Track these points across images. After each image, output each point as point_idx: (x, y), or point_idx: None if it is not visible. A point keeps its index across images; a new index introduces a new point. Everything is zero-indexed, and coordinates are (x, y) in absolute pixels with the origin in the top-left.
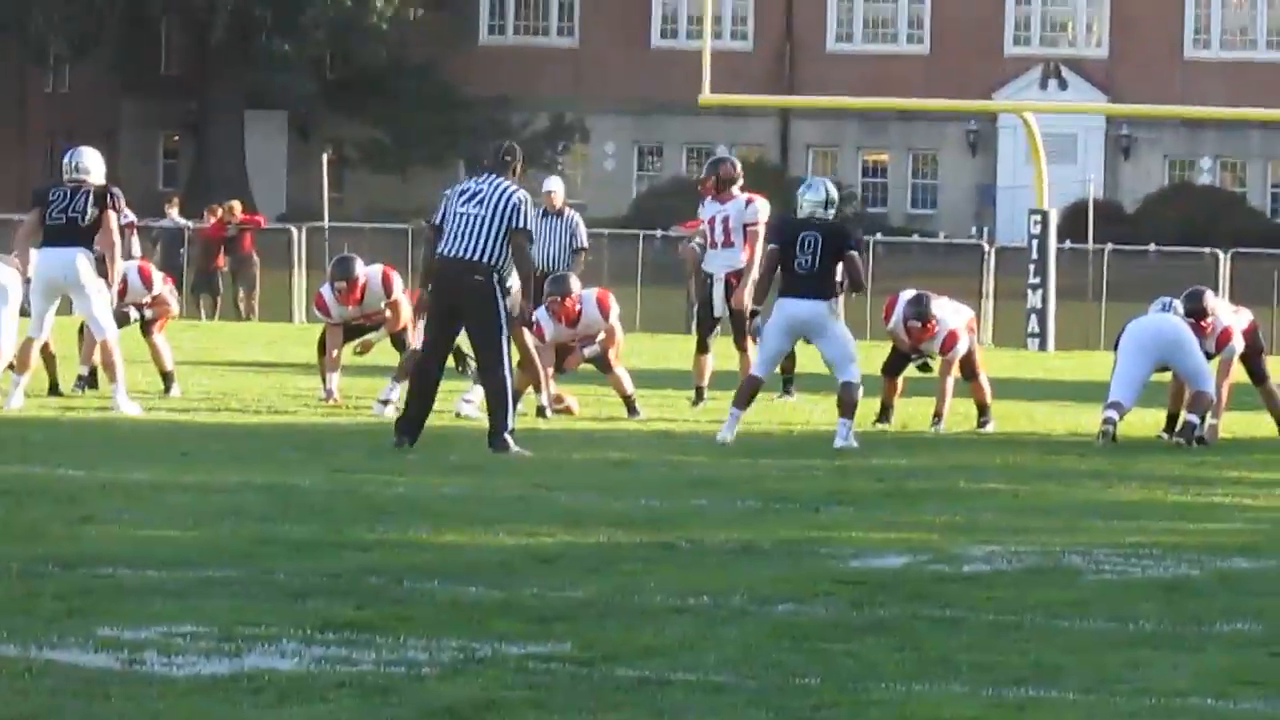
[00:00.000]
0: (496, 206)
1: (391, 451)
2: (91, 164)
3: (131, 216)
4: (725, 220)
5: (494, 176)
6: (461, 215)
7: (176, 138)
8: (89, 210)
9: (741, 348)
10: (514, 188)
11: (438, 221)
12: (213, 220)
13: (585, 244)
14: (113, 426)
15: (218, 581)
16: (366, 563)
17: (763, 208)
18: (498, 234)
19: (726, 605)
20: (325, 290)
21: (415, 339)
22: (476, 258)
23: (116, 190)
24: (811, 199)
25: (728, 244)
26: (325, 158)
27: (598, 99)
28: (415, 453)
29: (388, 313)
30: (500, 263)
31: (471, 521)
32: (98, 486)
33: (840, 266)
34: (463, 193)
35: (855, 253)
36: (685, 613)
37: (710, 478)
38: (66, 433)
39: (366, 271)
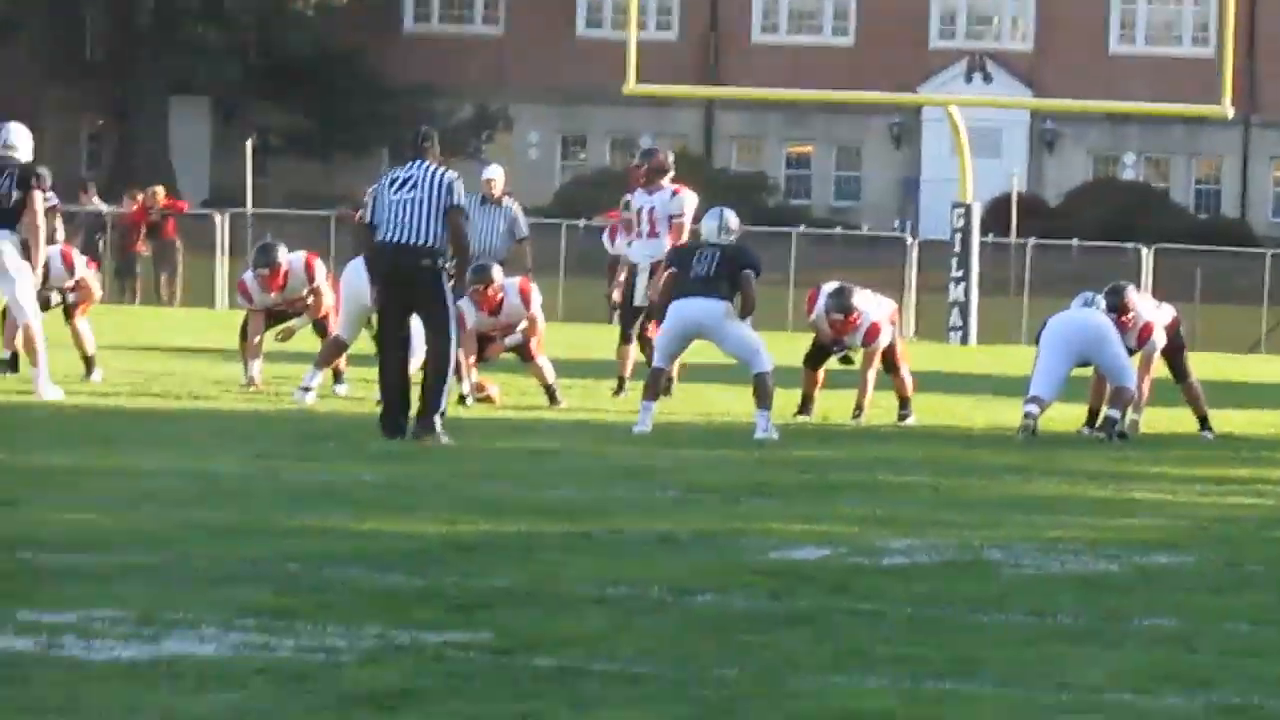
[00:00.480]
0: (431, 188)
1: (312, 439)
2: (19, 140)
3: (56, 200)
4: (651, 211)
5: (421, 161)
6: (397, 202)
7: (100, 122)
8: (13, 192)
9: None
10: (444, 169)
11: (369, 218)
12: (134, 205)
13: (527, 233)
14: (33, 410)
15: (137, 566)
16: (286, 549)
17: (689, 200)
18: (437, 215)
19: (646, 595)
20: (248, 276)
21: (336, 325)
22: (421, 241)
23: (43, 171)
24: (710, 224)
25: (653, 234)
26: (249, 144)
27: (522, 88)
28: (335, 440)
29: (310, 299)
30: (443, 244)
31: (391, 509)
32: (18, 470)
33: (739, 286)
34: (393, 181)
35: (752, 273)
36: (604, 603)
37: (630, 467)
38: None
39: (289, 258)
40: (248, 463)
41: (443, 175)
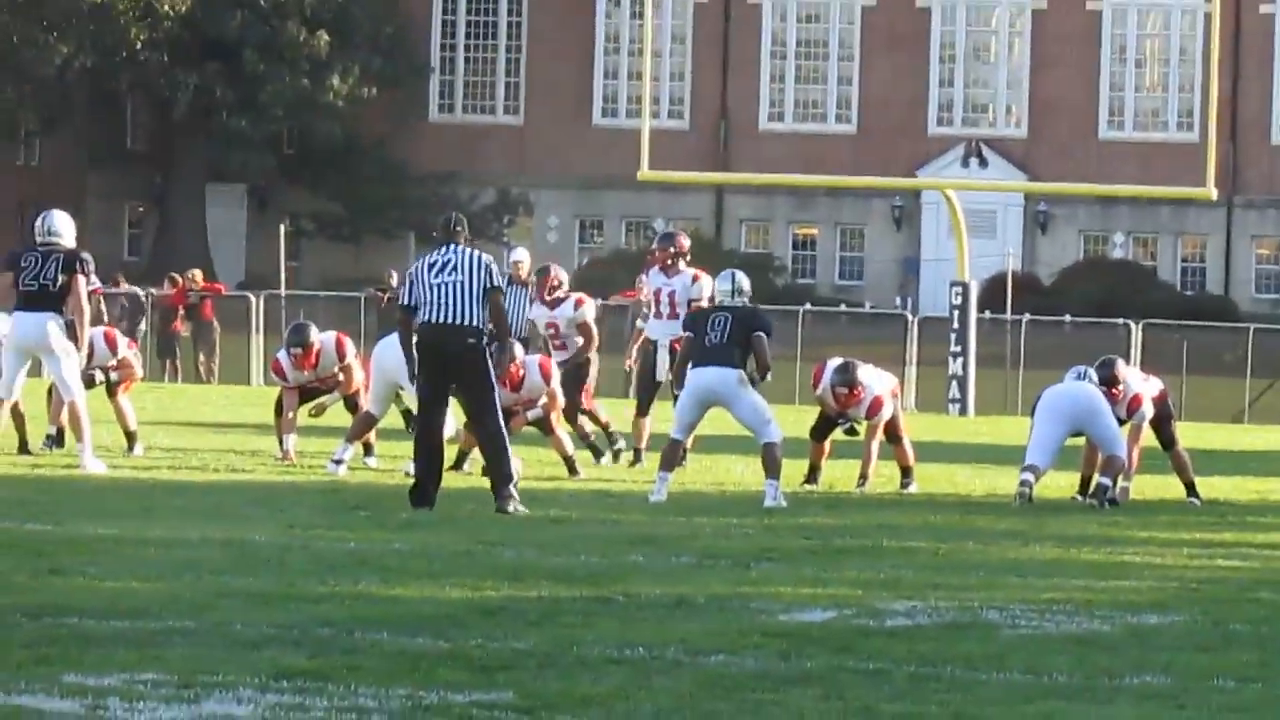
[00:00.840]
0: (471, 271)
1: (344, 509)
2: (63, 227)
3: (98, 283)
4: (672, 294)
5: (455, 245)
6: (438, 285)
7: (141, 209)
8: (59, 276)
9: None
10: (480, 252)
11: (408, 302)
12: (174, 288)
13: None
14: (78, 483)
15: (177, 631)
16: (318, 614)
17: (707, 285)
18: (479, 297)
19: (661, 656)
20: (282, 355)
21: (366, 401)
22: (466, 322)
23: (86, 256)
24: (721, 288)
25: (673, 316)
26: (283, 229)
27: (541, 174)
28: (366, 510)
29: (341, 376)
30: (484, 324)
31: (419, 575)
32: (64, 540)
33: (751, 348)
34: (431, 266)
35: (764, 335)
36: (622, 664)
37: (646, 535)
38: (34, 489)
39: (321, 337)
40: (282, 532)
41: (480, 258)
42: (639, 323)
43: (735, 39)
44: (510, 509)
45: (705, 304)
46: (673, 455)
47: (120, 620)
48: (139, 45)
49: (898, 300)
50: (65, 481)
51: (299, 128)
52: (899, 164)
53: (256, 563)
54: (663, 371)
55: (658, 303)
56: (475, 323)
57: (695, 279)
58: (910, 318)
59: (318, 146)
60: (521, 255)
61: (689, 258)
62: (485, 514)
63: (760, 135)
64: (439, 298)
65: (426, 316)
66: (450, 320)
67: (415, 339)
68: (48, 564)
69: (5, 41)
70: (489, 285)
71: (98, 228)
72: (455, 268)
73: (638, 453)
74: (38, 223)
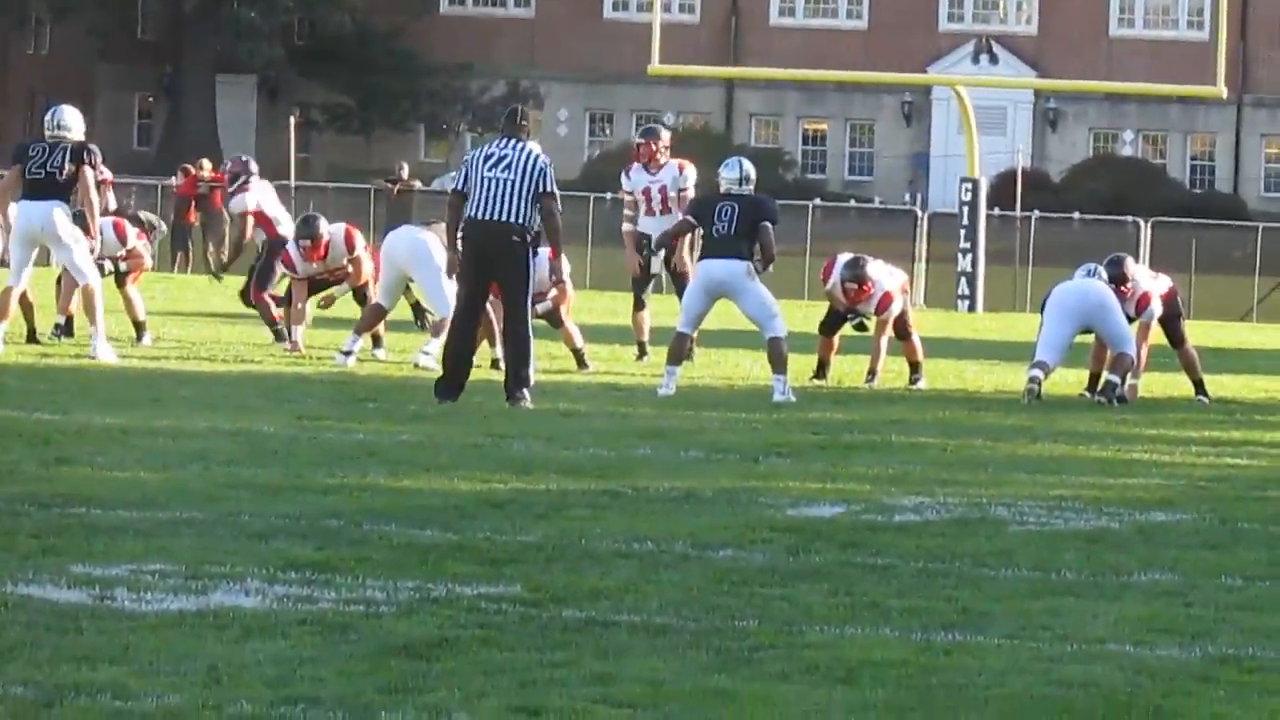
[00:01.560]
0: (526, 171)
1: (352, 400)
2: (72, 121)
3: (107, 173)
4: (663, 189)
5: (515, 141)
6: (491, 180)
7: (151, 99)
8: (66, 165)
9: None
10: (539, 153)
11: (460, 187)
12: (184, 179)
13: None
14: (87, 372)
15: (185, 522)
16: (326, 506)
17: (692, 172)
18: (529, 197)
19: (669, 550)
20: (291, 247)
21: (375, 293)
22: (512, 219)
23: (93, 147)
24: (727, 175)
25: (665, 211)
26: (292, 120)
27: (552, 67)
28: (374, 401)
29: (350, 268)
30: (533, 223)
31: (427, 468)
32: (72, 430)
33: (758, 237)
34: (488, 158)
35: (770, 224)
36: (630, 557)
37: (655, 429)
38: (42, 378)
39: (330, 229)
40: (290, 423)
41: (537, 159)
42: (626, 226)
43: None
44: (520, 405)
45: (691, 190)
46: (680, 348)
47: (128, 510)
48: None
49: (907, 196)
50: (73, 371)
51: (310, 18)
52: (909, 60)
53: (264, 454)
54: (657, 264)
55: (648, 199)
56: (522, 221)
57: (681, 168)
58: (920, 214)
59: (328, 37)
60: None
61: (669, 149)
62: (494, 407)
63: (770, 30)
64: (490, 192)
65: (474, 211)
66: (497, 217)
67: (461, 229)
68: (55, 453)
69: None
70: (543, 189)
71: (107, 118)
72: (510, 165)
73: (641, 346)
74: (47, 117)
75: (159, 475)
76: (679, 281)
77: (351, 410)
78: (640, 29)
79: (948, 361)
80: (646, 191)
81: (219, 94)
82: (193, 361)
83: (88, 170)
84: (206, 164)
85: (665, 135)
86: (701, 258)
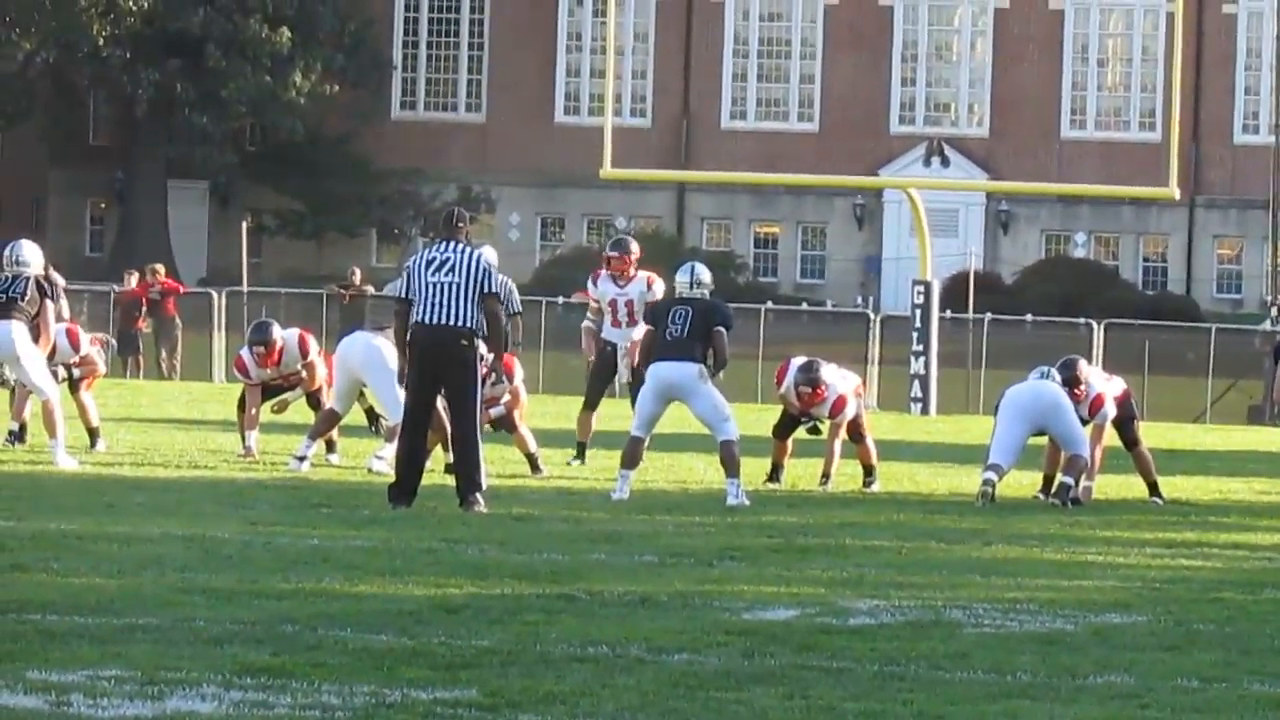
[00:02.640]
0: (469, 273)
1: (306, 505)
2: (30, 256)
3: (61, 281)
4: (629, 303)
5: (455, 243)
6: (434, 285)
7: (103, 205)
8: (29, 293)
9: None
10: (481, 255)
11: (404, 294)
12: (137, 285)
13: (519, 309)
14: (41, 479)
15: (140, 628)
16: (282, 611)
17: (659, 287)
18: (473, 300)
19: (624, 654)
20: (245, 353)
21: (329, 398)
22: (457, 323)
23: (55, 280)
24: (681, 279)
25: (632, 323)
26: (244, 225)
27: (503, 172)
28: (329, 506)
29: (304, 373)
30: (479, 326)
31: (381, 573)
32: (27, 536)
33: (711, 341)
34: (429, 262)
35: (724, 329)
36: (585, 661)
37: (609, 533)
38: None
39: (283, 335)
40: (245, 529)
41: (479, 260)
42: (586, 323)
43: (697, 37)
44: (473, 509)
45: None
46: (634, 452)
47: (83, 616)
48: (101, 41)
49: (859, 299)
50: (27, 477)
51: (261, 124)
52: (861, 162)
53: (219, 559)
54: (624, 373)
55: (614, 311)
56: (469, 324)
57: (650, 283)
58: (872, 316)
59: (280, 143)
60: (487, 254)
61: (637, 264)
62: (448, 511)
63: (722, 133)
64: (433, 297)
65: (420, 316)
66: (444, 321)
67: (409, 335)
68: (10, 559)
69: None
70: (485, 290)
71: (59, 224)
72: (453, 268)
73: (581, 448)
74: (5, 252)
75: (114, 581)
76: (635, 388)
77: (305, 515)
78: (592, 133)
79: (901, 464)
80: (613, 303)
81: (171, 199)
82: (146, 468)
83: (49, 304)
84: (160, 269)
85: (635, 248)
86: (654, 360)
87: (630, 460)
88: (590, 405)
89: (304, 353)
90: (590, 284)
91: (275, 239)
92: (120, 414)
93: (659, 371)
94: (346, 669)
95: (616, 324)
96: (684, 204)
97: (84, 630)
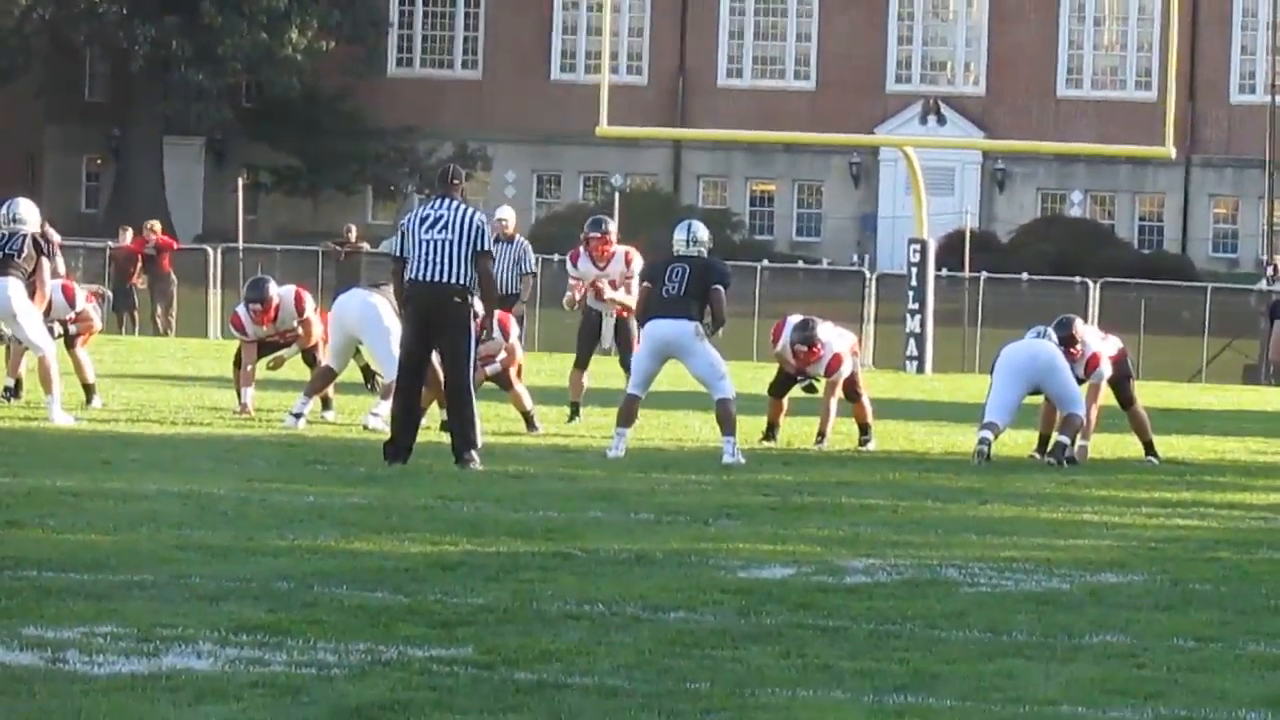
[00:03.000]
0: (462, 231)
1: (302, 462)
2: (27, 214)
3: (56, 236)
4: (611, 282)
5: (449, 201)
6: (428, 241)
7: (98, 161)
8: (26, 249)
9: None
10: (475, 212)
11: (398, 252)
12: (128, 241)
13: (534, 269)
14: (36, 435)
15: (136, 585)
16: (277, 568)
17: (638, 263)
18: (466, 257)
19: (620, 612)
20: (241, 310)
21: (325, 355)
22: (452, 280)
23: (51, 237)
24: (679, 237)
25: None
26: (240, 182)
27: (499, 129)
28: (324, 463)
29: (299, 330)
30: (472, 282)
31: (378, 530)
32: (22, 492)
33: (708, 301)
34: (424, 219)
35: (721, 288)
36: (581, 619)
37: (605, 490)
38: None
39: (279, 292)
40: (240, 486)
41: (473, 217)
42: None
43: None
44: (469, 467)
45: (638, 280)
46: (630, 410)
47: (79, 573)
48: None
49: (855, 257)
50: (23, 433)
51: (257, 81)
52: (857, 121)
53: (214, 516)
54: (608, 338)
55: (595, 288)
56: (461, 281)
57: (628, 259)
58: (868, 275)
59: (276, 100)
60: (506, 213)
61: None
62: (444, 469)
63: (718, 91)
64: (428, 254)
65: (414, 273)
66: (436, 278)
67: (404, 291)
68: (6, 516)
69: None
70: (479, 248)
71: (55, 180)
72: (447, 225)
73: (575, 407)
74: (1, 209)
75: (110, 538)
76: (627, 347)
77: (301, 472)
78: (587, 90)
79: (897, 423)
80: (594, 282)
81: (166, 156)
82: (141, 424)
83: (45, 262)
84: (155, 225)
85: (612, 226)
86: (650, 318)
87: (626, 418)
88: (581, 364)
89: (300, 310)
90: (570, 265)
91: (271, 196)
92: (116, 370)
93: (655, 329)
94: (342, 626)
95: (599, 298)
96: (680, 162)
97: (79, 587)
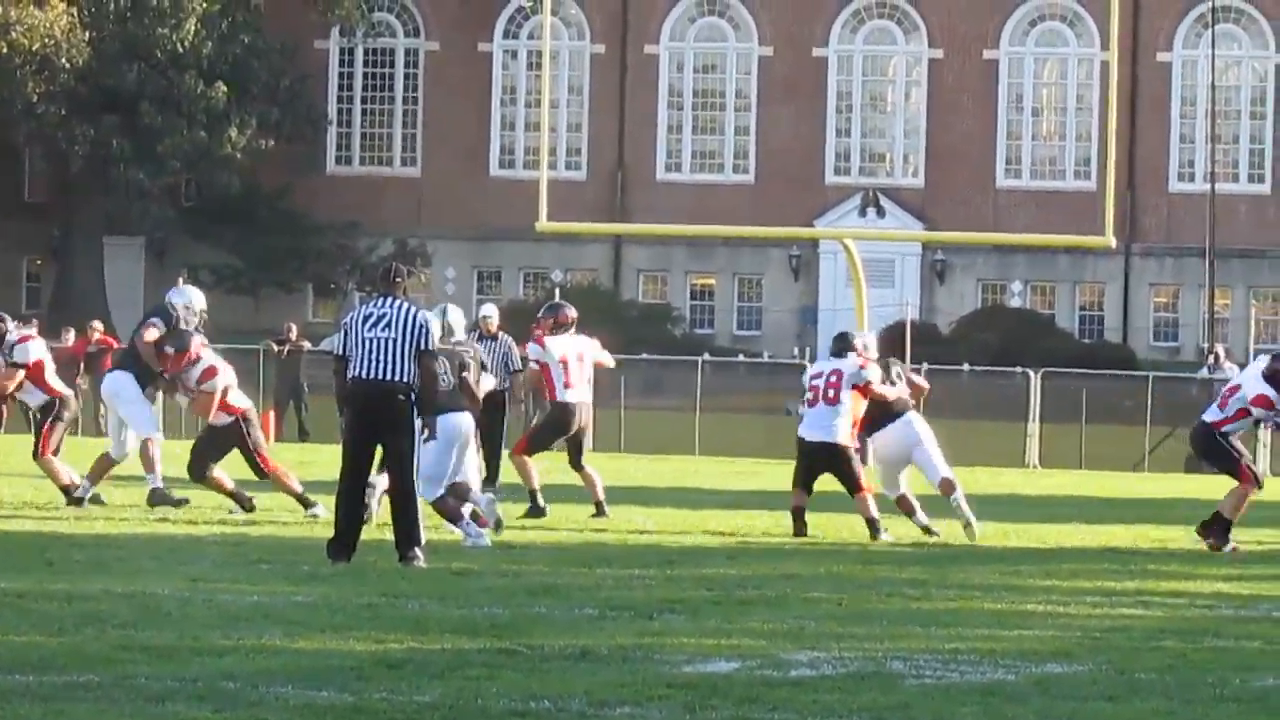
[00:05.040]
0: (406, 329)
1: (246, 562)
2: None
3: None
4: (580, 355)
5: (392, 299)
6: (371, 340)
7: (39, 261)
8: None
9: (578, 466)
10: (418, 310)
11: (340, 351)
12: (70, 341)
13: (519, 365)
14: None
15: (82, 686)
16: (222, 668)
17: (594, 345)
18: (409, 355)
19: (566, 709)
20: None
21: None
22: (396, 379)
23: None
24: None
25: (568, 385)
26: (181, 280)
27: (439, 225)
28: (268, 563)
29: (194, 395)
30: (414, 380)
31: (323, 628)
32: None
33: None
34: (366, 318)
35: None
36: (527, 716)
37: (548, 585)
38: None
39: (204, 354)
40: (185, 585)
41: (416, 315)
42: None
43: (632, 90)
44: (413, 564)
45: (607, 359)
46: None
47: (25, 675)
48: (35, 98)
49: (796, 350)
50: None
51: (197, 179)
52: (797, 214)
53: (159, 616)
54: (575, 427)
55: (566, 371)
56: (405, 380)
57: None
58: (809, 367)
59: (216, 198)
60: (490, 311)
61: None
62: (387, 565)
63: (657, 185)
64: (370, 352)
65: (357, 371)
66: (380, 377)
67: (349, 390)
68: None
69: None
70: (423, 347)
71: None
72: (390, 323)
73: (534, 496)
74: None
75: (55, 639)
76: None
77: (245, 571)
78: (527, 186)
79: (839, 515)
80: (564, 360)
81: (107, 255)
82: (85, 522)
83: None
84: (98, 325)
85: (570, 313)
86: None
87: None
88: (535, 449)
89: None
90: (528, 348)
91: (212, 294)
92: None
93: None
94: None
95: (568, 384)
96: (620, 256)
97: (26, 689)
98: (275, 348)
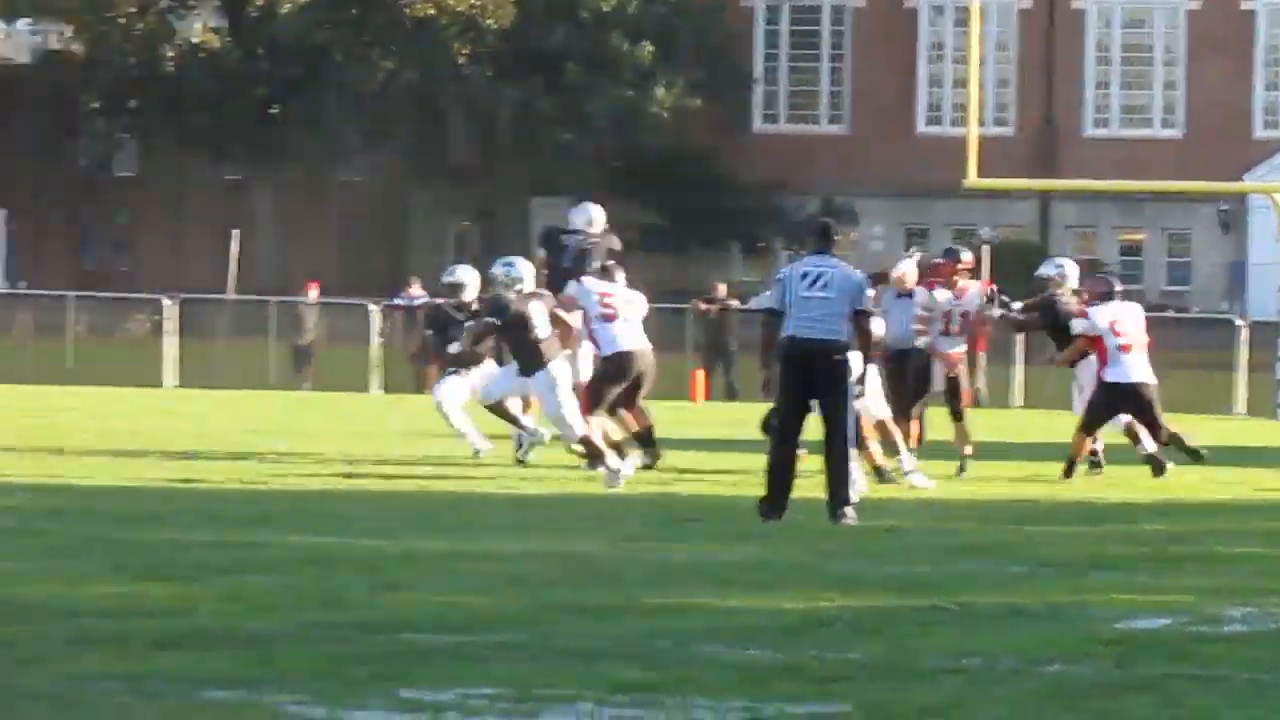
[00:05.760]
0: (844, 290)
1: (675, 521)
2: (466, 278)
3: None
4: (964, 314)
5: (829, 258)
6: (809, 299)
7: (465, 224)
8: None
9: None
10: (855, 272)
11: (777, 306)
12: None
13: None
14: (406, 497)
15: (510, 645)
16: (652, 627)
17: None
18: (847, 315)
19: (997, 665)
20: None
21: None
22: (831, 338)
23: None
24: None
25: (960, 332)
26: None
27: (866, 183)
28: (698, 521)
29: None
30: (850, 340)
31: (753, 587)
32: (396, 555)
33: None
34: (804, 275)
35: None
36: (958, 673)
37: (977, 544)
38: (364, 503)
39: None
40: (612, 545)
41: (853, 278)
42: (921, 340)
43: (1059, 45)
44: (843, 522)
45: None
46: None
47: (453, 635)
48: (461, 60)
49: (1224, 304)
50: (393, 496)
51: (623, 140)
52: (1225, 168)
53: (584, 575)
54: (939, 381)
55: (947, 319)
56: (841, 339)
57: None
58: (1239, 322)
59: (643, 158)
60: (907, 267)
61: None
62: (817, 525)
63: (1085, 141)
64: (808, 312)
65: (794, 329)
66: (817, 336)
67: (781, 348)
68: (382, 579)
69: (329, 58)
70: (860, 308)
71: (422, 243)
72: (828, 284)
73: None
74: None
75: (482, 599)
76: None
77: (675, 531)
78: (954, 143)
79: (1268, 470)
80: (948, 314)
81: (533, 216)
82: (510, 483)
83: None
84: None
85: (968, 256)
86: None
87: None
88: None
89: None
90: (930, 292)
91: (638, 253)
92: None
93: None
94: (719, 684)
95: (946, 332)
96: (1048, 212)
97: (455, 649)
98: (703, 306)
